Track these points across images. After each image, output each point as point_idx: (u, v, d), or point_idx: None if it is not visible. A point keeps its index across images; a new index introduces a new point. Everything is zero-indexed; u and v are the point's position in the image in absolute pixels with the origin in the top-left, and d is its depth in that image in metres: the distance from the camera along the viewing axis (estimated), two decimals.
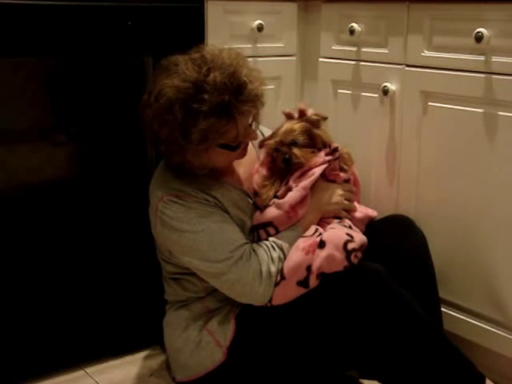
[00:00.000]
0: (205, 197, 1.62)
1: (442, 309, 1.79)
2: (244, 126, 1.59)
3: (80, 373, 1.88)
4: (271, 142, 1.71)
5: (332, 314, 1.56)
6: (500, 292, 1.72)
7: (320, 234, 1.63)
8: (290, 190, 1.67)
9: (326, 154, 1.71)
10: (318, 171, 1.69)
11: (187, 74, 1.53)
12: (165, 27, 1.85)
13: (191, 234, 1.59)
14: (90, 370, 1.89)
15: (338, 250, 1.57)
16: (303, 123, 1.71)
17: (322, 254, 1.57)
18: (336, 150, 1.72)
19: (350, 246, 1.58)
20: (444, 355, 1.52)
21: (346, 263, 1.57)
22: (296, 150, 1.69)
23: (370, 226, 1.80)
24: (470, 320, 1.81)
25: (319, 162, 1.70)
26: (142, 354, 1.97)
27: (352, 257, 1.57)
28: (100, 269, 1.89)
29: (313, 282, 1.57)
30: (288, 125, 1.72)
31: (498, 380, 1.80)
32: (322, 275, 1.58)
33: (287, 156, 1.68)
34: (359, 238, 1.65)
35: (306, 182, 1.67)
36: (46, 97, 1.78)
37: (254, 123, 1.65)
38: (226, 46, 1.65)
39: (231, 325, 1.64)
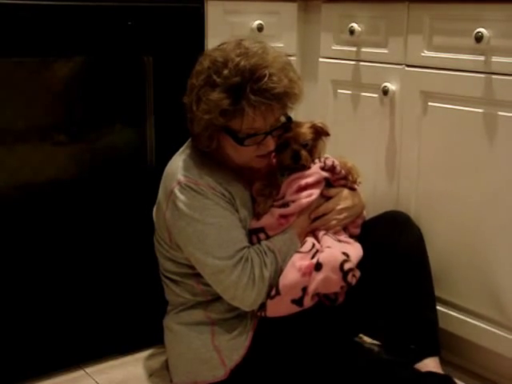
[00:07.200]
0: (222, 191, 1.62)
1: (443, 309, 1.80)
2: (251, 120, 1.57)
3: (80, 373, 1.88)
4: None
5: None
6: (500, 292, 1.72)
7: (317, 250, 1.63)
8: (286, 204, 1.66)
9: (323, 170, 1.70)
10: (316, 193, 1.68)
11: (226, 50, 1.59)
12: (165, 27, 1.85)
13: (200, 224, 1.58)
14: (90, 369, 1.89)
15: (334, 272, 1.57)
16: (313, 130, 1.71)
17: (318, 276, 1.58)
18: (334, 167, 1.71)
19: (347, 266, 1.58)
20: None
21: (342, 283, 1.58)
22: (305, 153, 1.69)
23: (367, 223, 1.80)
24: (470, 320, 1.80)
25: (317, 178, 1.68)
26: (142, 354, 1.97)
27: (349, 277, 1.58)
28: (100, 269, 1.89)
29: (307, 301, 1.59)
30: (300, 125, 1.70)
31: (498, 380, 1.80)
32: (317, 295, 1.61)
33: (298, 154, 1.67)
34: (355, 254, 1.64)
35: (303, 202, 1.66)
36: (46, 97, 1.78)
37: (273, 132, 1.63)
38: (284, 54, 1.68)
39: (241, 350, 1.63)
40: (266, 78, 1.55)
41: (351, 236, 1.74)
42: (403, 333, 1.73)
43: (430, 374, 1.66)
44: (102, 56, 1.80)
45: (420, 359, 1.70)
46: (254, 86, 1.54)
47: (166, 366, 1.85)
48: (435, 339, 1.75)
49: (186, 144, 1.72)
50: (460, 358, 1.87)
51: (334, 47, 2.08)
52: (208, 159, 1.66)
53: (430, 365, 1.70)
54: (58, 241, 1.81)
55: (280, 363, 1.65)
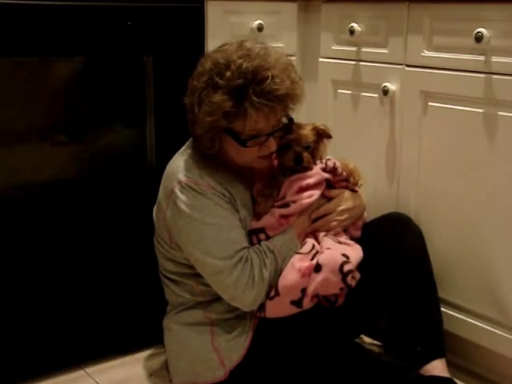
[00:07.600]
0: (222, 191, 1.62)
1: (443, 309, 1.79)
2: (254, 122, 1.57)
3: (80, 373, 1.88)
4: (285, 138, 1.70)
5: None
6: (500, 292, 1.72)
7: (316, 252, 1.63)
8: (287, 205, 1.67)
9: (325, 171, 1.70)
10: (316, 194, 1.68)
11: (228, 52, 1.59)
12: (165, 27, 1.85)
13: (200, 224, 1.59)
14: (90, 369, 1.89)
15: (333, 274, 1.58)
16: (315, 132, 1.71)
17: (317, 278, 1.58)
18: (335, 169, 1.71)
19: (346, 267, 1.58)
20: None
21: (341, 285, 1.59)
22: (307, 155, 1.69)
23: (367, 225, 1.80)
24: (470, 320, 1.80)
25: (318, 179, 1.69)
26: (142, 353, 1.98)
27: (348, 279, 1.58)
28: (100, 269, 1.89)
29: (307, 303, 1.60)
30: (302, 127, 1.71)
31: (498, 380, 1.80)
32: (317, 297, 1.61)
33: (300, 156, 1.68)
34: (355, 256, 1.64)
35: (304, 203, 1.66)
36: (46, 97, 1.78)
37: (275, 133, 1.63)
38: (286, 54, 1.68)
39: (241, 351, 1.64)
40: (268, 80, 1.55)
41: (352, 238, 1.74)
42: (409, 335, 1.73)
43: (432, 378, 1.66)
44: (102, 56, 1.80)
45: (427, 361, 1.70)
46: (256, 88, 1.54)
47: (165, 366, 1.85)
48: (441, 340, 1.75)
49: (186, 144, 1.72)
50: (460, 359, 1.87)
51: (334, 47, 2.08)
52: (209, 159, 1.66)
53: (439, 366, 1.70)
54: (58, 241, 1.81)
55: (279, 364, 1.65)
